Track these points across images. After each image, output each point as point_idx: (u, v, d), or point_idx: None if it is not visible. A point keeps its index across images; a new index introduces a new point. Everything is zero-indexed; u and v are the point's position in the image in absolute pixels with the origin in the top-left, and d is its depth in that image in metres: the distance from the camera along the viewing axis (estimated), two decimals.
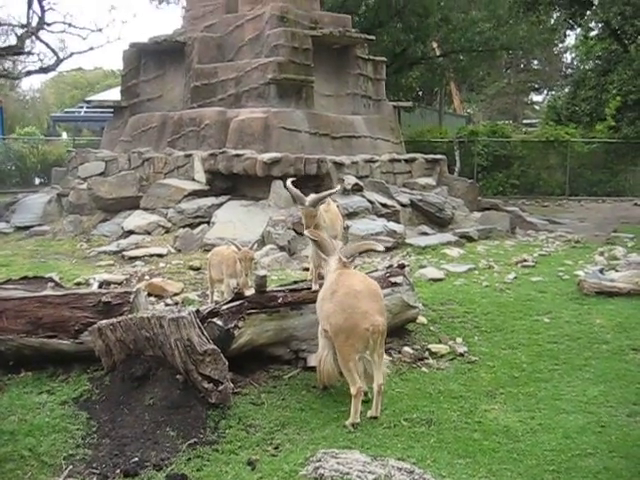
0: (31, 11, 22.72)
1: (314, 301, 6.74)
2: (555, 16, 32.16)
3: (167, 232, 14.67)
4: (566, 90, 37.25)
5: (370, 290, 5.66)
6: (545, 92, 52.70)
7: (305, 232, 6.54)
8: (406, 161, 18.70)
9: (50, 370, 6.32)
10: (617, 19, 27.50)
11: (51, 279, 7.73)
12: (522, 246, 14.50)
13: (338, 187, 8.18)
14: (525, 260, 12.18)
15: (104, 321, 5.99)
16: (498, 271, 11.43)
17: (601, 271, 10.24)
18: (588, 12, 29.51)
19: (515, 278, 10.80)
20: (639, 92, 27.38)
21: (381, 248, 6.42)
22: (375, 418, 5.47)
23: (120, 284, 10.37)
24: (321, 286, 6.81)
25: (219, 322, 6.23)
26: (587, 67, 33.58)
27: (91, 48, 40.09)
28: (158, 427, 5.24)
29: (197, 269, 11.52)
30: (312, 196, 6.82)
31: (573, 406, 5.91)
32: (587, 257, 12.84)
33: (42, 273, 9.61)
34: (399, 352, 7.19)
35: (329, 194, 7.03)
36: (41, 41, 23.74)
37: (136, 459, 4.90)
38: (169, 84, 19.54)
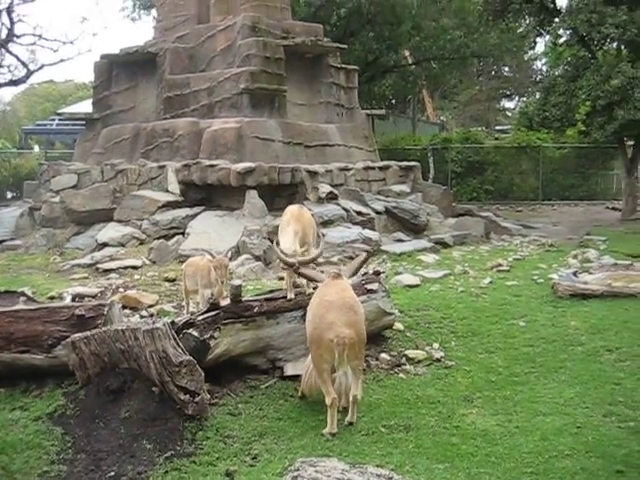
0: (0, 23, 22.52)
1: (290, 310, 6.76)
2: (524, 24, 32.55)
3: (142, 244, 14.58)
4: (537, 96, 37.55)
5: (344, 302, 5.60)
6: (516, 98, 53.26)
7: (289, 295, 6.76)
8: (380, 169, 18.79)
9: (23, 386, 6.23)
10: (584, 26, 27.86)
11: (23, 293, 7.64)
12: (497, 251, 14.60)
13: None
14: (500, 265, 12.26)
15: (78, 334, 5.92)
16: (473, 276, 11.49)
17: (575, 274, 10.34)
18: (556, 19, 29.90)
19: (490, 283, 10.86)
20: (607, 97, 27.74)
21: (371, 251, 6.57)
22: (351, 424, 5.45)
23: (94, 297, 10.26)
24: (297, 295, 6.84)
25: (195, 333, 6.19)
26: (557, 73, 33.92)
27: (62, 60, 39.62)
28: (134, 440, 5.19)
29: (172, 280, 11.45)
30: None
31: (550, 408, 5.94)
32: (561, 260, 12.96)
33: (14, 288, 9.49)
34: (376, 359, 7.19)
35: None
36: (11, 53, 23.51)
37: (112, 474, 4.84)
38: (141, 95, 19.46)
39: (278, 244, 6.99)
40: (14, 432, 5.39)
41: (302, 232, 7.29)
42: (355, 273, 6.54)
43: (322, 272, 6.66)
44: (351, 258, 12.66)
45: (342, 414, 5.56)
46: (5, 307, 6.74)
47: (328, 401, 5.37)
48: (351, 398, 5.43)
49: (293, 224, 7.26)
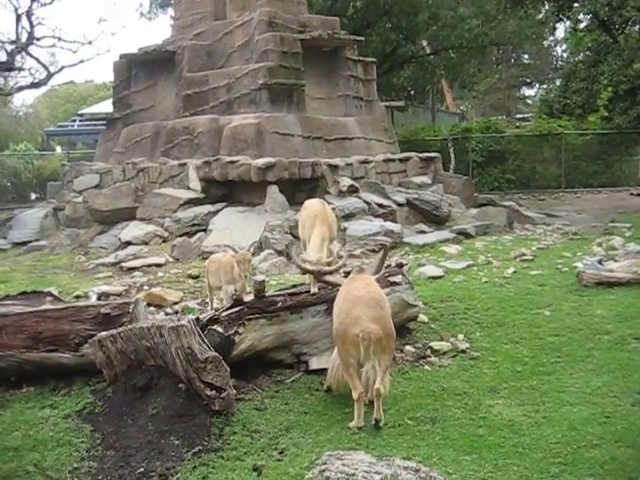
0: (20, 26, 22.73)
1: (314, 304, 6.77)
2: (543, 10, 32.23)
3: (164, 241, 14.66)
4: (557, 83, 37.32)
5: (370, 296, 5.61)
6: (537, 86, 52.79)
7: (312, 289, 6.79)
8: (400, 160, 18.72)
9: (52, 384, 6.31)
10: (605, 10, 27.54)
11: (50, 293, 7.72)
12: (520, 240, 14.51)
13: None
14: (523, 254, 12.18)
15: (104, 333, 5.98)
16: (497, 266, 11.44)
17: (600, 262, 10.24)
18: (576, 4, 29.58)
19: (514, 272, 10.80)
20: (630, 82, 27.40)
21: (387, 244, 6.57)
22: (378, 422, 5.39)
23: (119, 295, 10.35)
24: (320, 289, 6.85)
25: (219, 329, 6.22)
26: (577, 59, 33.63)
27: (81, 61, 40.10)
28: (162, 437, 5.23)
29: (196, 277, 11.51)
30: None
31: (577, 398, 5.90)
32: (585, 248, 12.85)
33: (41, 288, 9.60)
34: (401, 351, 7.18)
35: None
36: (31, 56, 23.74)
37: (142, 470, 4.89)
38: (160, 94, 19.56)
39: (298, 252, 7.10)
40: (45, 430, 5.47)
41: (329, 233, 7.33)
42: (379, 271, 6.55)
43: (345, 276, 6.68)
44: (373, 251, 12.66)
45: (369, 407, 5.56)
46: (32, 307, 6.82)
47: (355, 395, 5.38)
48: (374, 392, 5.38)
49: (319, 226, 7.27)
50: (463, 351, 7.28)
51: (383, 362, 5.45)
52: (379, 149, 18.90)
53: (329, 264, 6.82)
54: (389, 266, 8.00)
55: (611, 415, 5.50)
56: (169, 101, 19.20)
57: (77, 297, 10.21)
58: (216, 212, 15.18)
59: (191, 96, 18.17)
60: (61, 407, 5.89)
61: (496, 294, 9.47)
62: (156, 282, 11.35)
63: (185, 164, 16.45)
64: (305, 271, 6.76)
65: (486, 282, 10.23)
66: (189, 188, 16.22)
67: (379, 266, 6.60)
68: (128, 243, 14.70)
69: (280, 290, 7.19)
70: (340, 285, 6.21)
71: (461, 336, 7.74)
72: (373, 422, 5.39)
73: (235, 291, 7.44)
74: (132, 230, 15.22)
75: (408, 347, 7.30)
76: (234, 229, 13.98)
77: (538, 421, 5.47)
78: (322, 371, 6.59)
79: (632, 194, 24.28)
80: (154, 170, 16.98)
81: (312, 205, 8.07)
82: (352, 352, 5.42)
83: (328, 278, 6.53)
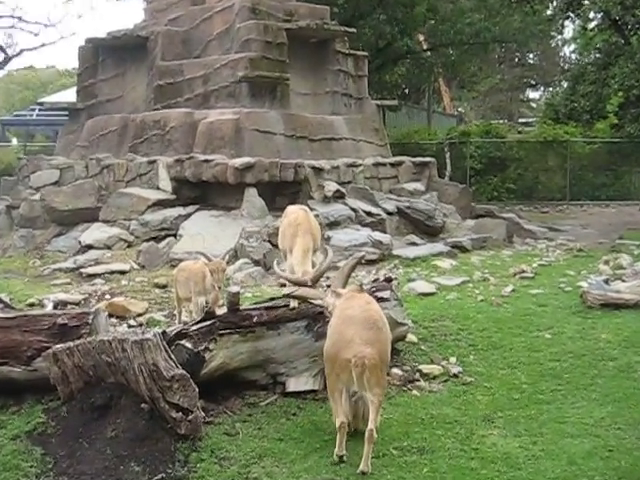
0: None
1: (293, 320, 6.77)
2: (551, 6, 32.56)
3: (129, 246, 14.59)
4: (564, 86, 37.66)
5: (366, 317, 5.48)
6: (542, 88, 53.26)
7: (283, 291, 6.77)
8: (392, 165, 18.76)
9: (0, 401, 6.24)
10: (617, 9, 27.87)
11: (0, 300, 7.64)
12: (520, 256, 14.59)
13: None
14: (523, 271, 12.25)
15: (60, 345, 5.93)
16: (494, 284, 11.49)
17: (606, 281, 10.31)
18: (586, 1, 29.92)
19: (513, 291, 10.86)
20: None
21: (363, 255, 6.49)
22: (365, 473, 5.15)
23: (78, 304, 10.29)
24: (301, 304, 6.83)
25: (188, 344, 6.20)
26: (586, 60, 33.99)
27: (43, 44, 40.05)
28: (121, 462, 5.20)
29: (163, 287, 11.47)
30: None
31: (578, 429, 5.94)
32: (591, 267, 12.94)
33: None
34: (387, 374, 7.18)
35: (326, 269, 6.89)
36: None
37: None
38: (130, 83, 19.49)
39: (278, 262, 7.07)
40: None
41: (313, 244, 7.34)
42: (346, 282, 6.30)
43: (325, 289, 6.65)
44: (360, 263, 12.67)
45: (353, 438, 5.55)
46: None
47: (337, 423, 5.35)
48: (366, 434, 5.19)
49: (302, 236, 7.28)
50: (455, 375, 7.30)
51: (377, 397, 5.28)
52: (369, 152, 18.94)
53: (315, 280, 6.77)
54: (376, 280, 8.02)
55: (615, 449, 5.54)
56: (139, 92, 19.14)
57: (31, 305, 10.13)
58: (188, 215, 15.12)
59: (164, 87, 18.13)
60: (9, 427, 5.83)
61: (493, 314, 9.50)
62: (119, 291, 11.29)
63: (155, 162, 16.39)
64: (296, 297, 6.65)
65: (482, 301, 10.27)
66: (158, 188, 16.15)
67: (347, 277, 6.38)
68: (89, 247, 14.60)
69: (256, 303, 7.19)
70: (319, 300, 6.19)
71: (453, 359, 7.76)
72: (358, 472, 5.15)
73: (206, 303, 7.42)
74: (94, 233, 15.12)
75: (395, 370, 7.30)
76: (207, 235, 13.94)
77: (536, 454, 5.49)
78: (300, 394, 6.60)
79: None
80: (120, 167, 16.90)
81: (294, 212, 8.08)
82: (342, 378, 5.34)
83: (303, 294, 6.45)
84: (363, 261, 6.57)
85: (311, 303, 6.52)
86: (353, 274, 12.03)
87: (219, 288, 7.43)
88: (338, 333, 5.44)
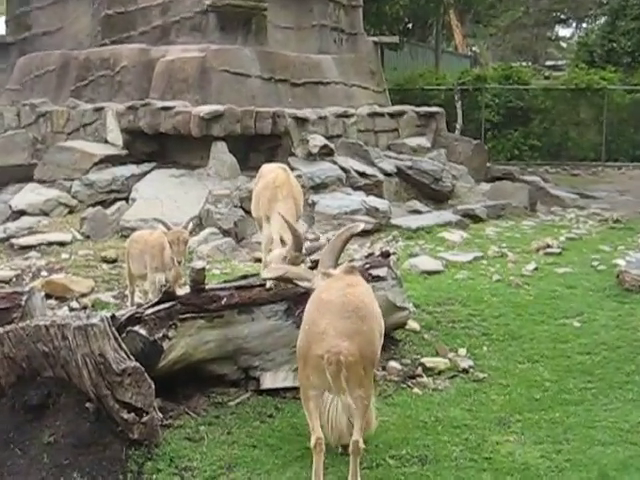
0: None
1: (270, 302, 6.77)
2: None
3: (71, 212, 14.53)
4: (601, 21, 37.56)
5: (344, 302, 5.23)
6: (574, 24, 53.12)
7: (264, 274, 6.63)
8: (391, 115, 18.73)
9: None
10: None
11: None
12: (545, 227, 14.64)
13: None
14: (548, 246, 12.30)
15: None
16: (513, 261, 11.53)
17: None
18: None
19: (535, 269, 10.91)
20: None
21: (361, 227, 6.35)
22: None
23: (8, 282, 10.25)
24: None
25: (142, 331, 6.19)
26: None
27: None
28: (62, 473, 5.20)
29: (112, 261, 11.44)
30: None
31: (611, 436, 5.98)
32: (629, 241, 13.01)
33: None
34: (383, 368, 7.22)
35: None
36: None
37: None
38: (72, 13, 19.27)
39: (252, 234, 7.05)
40: None
41: (295, 211, 7.33)
42: (337, 260, 6.09)
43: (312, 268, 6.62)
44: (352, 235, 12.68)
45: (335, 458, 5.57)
46: None
47: (312, 441, 5.07)
48: (351, 446, 5.08)
49: (283, 202, 7.28)
50: (465, 370, 7.33)
51: (360, 401, 5.10)
52: (363, 99, 18.90)
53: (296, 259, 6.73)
54: (371, 255, 8.02)
55: None
56: (83, 23, 18.94)
57: None
58: (142, 175, 15.07)
59: (113, 18, 17.95)
60: None
61: (511, 297, 9.55)
62: (58, 266, 11.25)
63: (102, 109, 16.29)
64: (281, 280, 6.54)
65: (498, 281, 10.32)
66: (107, 142, 16.08)
67: (339, 252, 6.18)
68: (22, 213, 14.52)
69: (225, 282, 7.18)
70: (307, 282, 6.05)
71: (463, 351, 7.80)
72: None
73: (165, 282, 7.41)
74: (27, 195, 15.03)
75: (393, 363, 7.34)
76: (166, 199, 13.90)
77: (560, 465, 5.53)
78: (278, 392, 6.62)
79: None
80: (60, 115, 16.77)
81: (272, 172, 8.05)
82: (314, 380, 5.10)
83: (288, 273, 6.37)
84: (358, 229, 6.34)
85: (297, 285, 6.41)
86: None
87: (180, 263, 7.42)
88: (310, 323, 5.24)
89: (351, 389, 5.04)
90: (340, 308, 5.19)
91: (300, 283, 6.15)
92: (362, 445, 5.08)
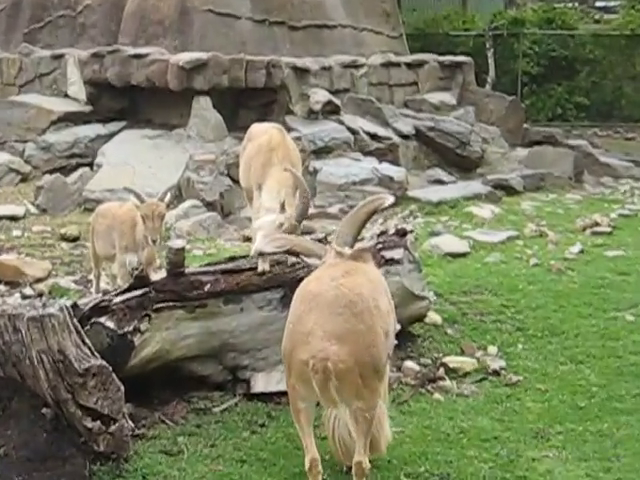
0: None
1: (262, 289, 6.76)
2: None
3: (24, 181, 14.54)
4: None
5: (338, 295, 5.08)
6: None
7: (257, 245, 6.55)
8: (409, 66, 18.66)
9: None
10: None
11: None
12: (593, 202, 14.63)
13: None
14: (597, 224, 12.30)
15: None
16: (554, 241, 11.53)
17: None
18: None
19: (581, 252, 10.92)
20: None
21: (391, 201, 6.12)
22: None
23: None
24: (274, 265, 6.81)
25: (109, 323, 6.19)
26: None
27: None
28: None
29: (74, 240, 11.46)
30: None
31: None
32: None
33: None
34: (398, 369, 7.23)
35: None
36: None
37: None
38: None
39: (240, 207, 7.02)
40: None
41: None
42: (357, 235, 5.98)
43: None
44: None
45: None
46: None
47: (306, 463, 5.06)
48: (353, 468, 5.05)
49: (278, 166, 7.27)
50: (496, 372, 7.34)
51: (360, 414, 5.00)
52: (375, 46, 18.81)
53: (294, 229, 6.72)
54: (384, 233, 8.00)
55: None
56: None
57: None
58: (110, 136, 15.07)
59: None
60: None
61: (551, 285, 9.55)
62: (9, 245, 11.27)
63: (62, 57, 16.25)
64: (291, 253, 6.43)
65: (536, 265, 10.32)
66: (67, 96, 16.07)
67: (356, 230, 6.03)
68: None
69: (209, 265, 7.17)
70: (316, 258, 5.88)
71: (493, 349, 7.81)
72: None
73: (138, 264, 7.41)
74: None
75: (409, 363, 7.34)
76: (138, 165, 13.89)
77: None
78: (271, 396, 6.62)
79: None
80: (10, 64, 16.76)
81: (265, 132, 8.05)
82: (300, 389, 5.07)
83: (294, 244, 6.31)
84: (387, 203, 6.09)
85: (302, 261, 6.28)
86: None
87: (155, 242, 7.40)
88: (295, 321, 5.17)
89: (347, 401, 4.97)
90: (331, 303, 5.05)
91: (307, 259, 5.91)
92: (367, 466, 5.01)
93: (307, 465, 5.02)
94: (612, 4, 44.33)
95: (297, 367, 4.98)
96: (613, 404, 6.78)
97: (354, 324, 4.99)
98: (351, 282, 5.19)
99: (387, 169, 14.47)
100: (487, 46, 26.38)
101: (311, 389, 4.95)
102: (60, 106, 15.77)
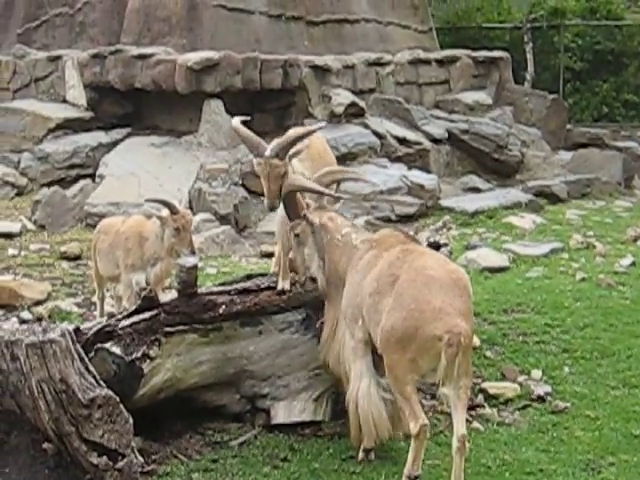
0: None
1: (282, 311, 6.76)
2: None
3: (20, 194, 14.60)
4: None
5: (453, 279, 5.86)
6: None
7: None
8: (440, 63, 18.70)
9: None
10: None
11: None
12: None
13: (322, 123, 7.60)
14: None
15: None
16: (603, 253, 11.50)
17: None
18: None
19: (633, 265, 10.88)
20: None
21: (368, 180, 6.67)
22: None
23: None
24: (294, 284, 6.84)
25: (116, 349, 6.21)
26: None
27: None
28: None
29: (75, 258, 11.50)
30: (276, 142, 6.85)
31: None
32: None
33: None
34: (433, 397, 7.22)
35: (308, 132, 7.03)
36: None
37: None
38: None
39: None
40: None
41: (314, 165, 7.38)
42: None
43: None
44: (389, 221, 12.66)
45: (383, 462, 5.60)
46: None
47: (414, 428, 5.58)
48: (456, 442, 5.56)
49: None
50: (540, 398, 7.33)
51: (465, 391, 5.75)
52: (403, 42, 18.86)
53: None
54: None
55: None
56: None
57: None
58: (113, 145, 15.13)
59: None
60: None
61: (600, 302, 9.52)
62: (4, 265, 11.31)
63: (59, 58, 16.35)
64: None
65: (583, 280, 10.29)
66: (66, 101, 16.14)
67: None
68: None
69: (224, 284, 7.18)
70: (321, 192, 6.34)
71: (537, 373, 7.79)
72: None
73: (146, 284, 7.41)
74: None
75: (445, 390, 7.33)
76: (144, 175, 13.94)
77: None
78: (294, 428, 6.62)
79: None
80: (3, 68, 16.86)
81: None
82: (422, 364, 5.71)
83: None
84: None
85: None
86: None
87: (178, 256, 7.23)
88: (417, 301, 5.70)
89: (460, 376, 5.64)
90: (453, 285, 5.82)
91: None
92: (468, 445, 5.66)
93: (416, 430, 5.61)
94: None
95: (426, 342, 5.62)
96: None
97: (470, 305, 5.90)
98: (456, 269, 6.15)
99: (417, 176, 14.49)
100: (525, 40, 26.38)
101: (433, 363, 5.64)
102: (58, 112, 15.85)
